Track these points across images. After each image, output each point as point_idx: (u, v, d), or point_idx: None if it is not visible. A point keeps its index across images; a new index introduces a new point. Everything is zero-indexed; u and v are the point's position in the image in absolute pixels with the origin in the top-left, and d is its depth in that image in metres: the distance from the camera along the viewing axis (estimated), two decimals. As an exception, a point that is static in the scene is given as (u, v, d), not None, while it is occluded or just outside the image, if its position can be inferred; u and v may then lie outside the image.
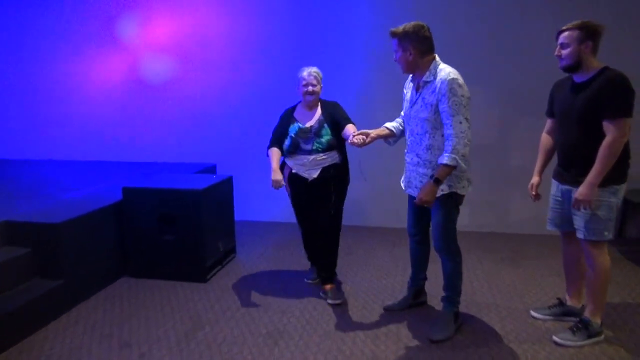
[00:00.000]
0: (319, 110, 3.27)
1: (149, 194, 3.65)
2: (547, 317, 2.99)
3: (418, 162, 2.72)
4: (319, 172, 3.23)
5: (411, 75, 2.74)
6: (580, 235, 2.63)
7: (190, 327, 2.99)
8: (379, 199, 4.89)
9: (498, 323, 2.98)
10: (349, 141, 2.82)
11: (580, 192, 2.51)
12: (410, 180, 2.81)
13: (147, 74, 5.35)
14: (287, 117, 3.30)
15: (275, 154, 3.24)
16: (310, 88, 3.20)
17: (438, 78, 2.52)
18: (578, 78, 2.59)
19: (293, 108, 3.34)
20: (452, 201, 2.68)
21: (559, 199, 2.77)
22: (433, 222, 2.78)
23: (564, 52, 2.54)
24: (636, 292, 3.40)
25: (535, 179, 2.94)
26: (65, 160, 5.61)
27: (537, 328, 2.91)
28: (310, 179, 3.24)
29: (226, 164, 5.22)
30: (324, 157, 3.21)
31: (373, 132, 2.84)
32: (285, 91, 4.40)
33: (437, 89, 2.51)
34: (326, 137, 3.20)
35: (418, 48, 2.56)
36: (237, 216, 4.33)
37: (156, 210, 3.63)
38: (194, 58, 5.22)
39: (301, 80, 3.21)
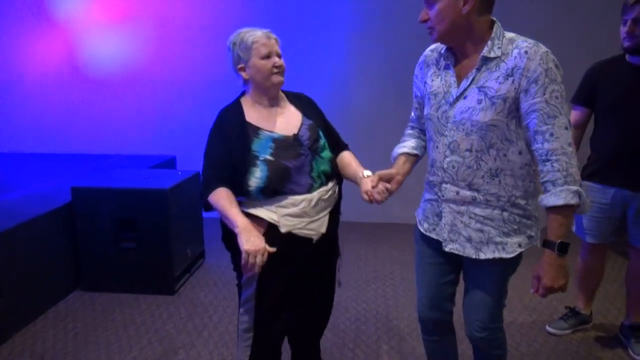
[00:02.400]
0: (288, 107, 1.88)
1: (104, 195, 3.15)
2: (566, 331, 2.74)
3: (474, 199, 1.58)
4: (327, 220, 1.84)
5: (438, 50, 1.65)
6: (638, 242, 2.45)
7: (161, 354, 2.56)
8: (358, 189, 4.57)
9: (513, 343, 2.70)
10: (364, 197, 1.71)
11: None
12: (454, 230, 1.63)
13: (93, 53, 4.72)
14: (237, 126, 1.76)
15: (226, 196, 1.69)
16: (279, 61, 1.78)
17: (514, 52, 1.46)
18: (638, 60, 2.26)
19: (235, 107, 1.82)
20: (519, 262, 1.65)
21: (606, 205, 2.39)
22: (477, 296, 1.68)
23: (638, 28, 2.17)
24: None
25: None
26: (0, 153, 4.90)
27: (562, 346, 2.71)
28: (317, 237, 1.80)
29: (187, 156, 4.71)
30: (330, 191, 1.83)
31: (399, 173, 1.73)
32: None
33: (519, 71, 1.44)
34: (327, 152, 1.84)
35: None
36: (204, 214, 3.88)
37: (114, 214, 3.14)
38: (149, 36, 4.64)
39: (254, 49, 1.74)
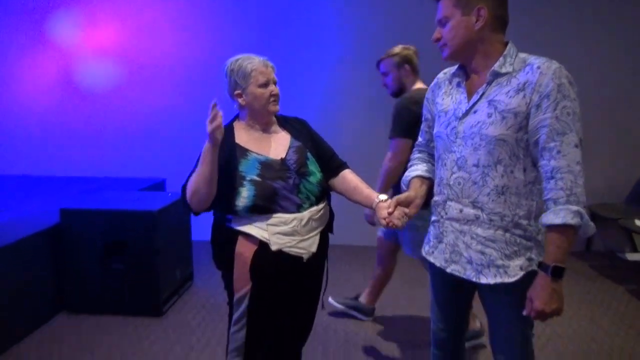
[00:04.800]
0: (280, 132, 1.91)
1: (93, 216, 3.14)
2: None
3: (477, 218, 1.53)
4: (318, 240, 1.85)
5: (451, 72, 1.66)
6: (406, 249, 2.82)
7: (148, 376, 2.53)
8: (346, 212, 4.59)
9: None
10: (382, 222, 1.70)
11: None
12: (455, 250, 1.60)
13: (84, 78, 4.76)
14: (227, 147, 1.78)
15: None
16: (276, 90, 1.84)
17: (526, 68, 1.45)
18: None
19: (227, 129, 1.81)
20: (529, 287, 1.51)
21: None
22: (498, 331, 1.63)
23: (387, 80, 2.73)
24: (606, 306, 3.35)
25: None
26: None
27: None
28: (308, 256, 1.80)
29: (177, 179, 4.69)
30: (321, 211, 1.84)
31: (417, 196, 1.70)
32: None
33: (531, 86, 1.42)
34: (316, 175, 1.84)
35: (494, 10, 1.47)
36: (193, 236, 3.88)
37: (102, 235, 3.12)
38: (138, 61, 4.71)
39: (253, 77, 1.78)
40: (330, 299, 3.16)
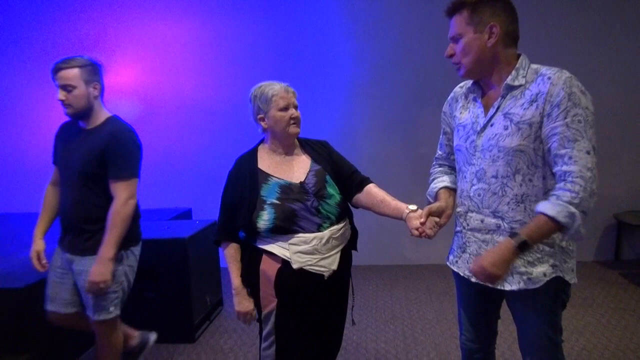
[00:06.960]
0: (301, 155, 1.97)
1: (125, 247, 3.25)
2: None
3: (498, 227, 1.57)
4: (339, 257, 1.89)
5: (467, 86, 1.72)
6: (89, 313, 2.27)
7: (185, 400, 2.59)
8: (370, 233, 4.64)
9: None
10: (414, 233, 1.69)
11: (94, 271, 2.11)
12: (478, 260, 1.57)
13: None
14: (249, 174, 1.88)
15: (233, 254, 1.92)
16: (295, 113, 1.90)
17: (538, 79, 1.49)
18: (84, 124, 2.23)
19: (250, 156, 1.96)
20: (559, 294, 1.57)
21: (63, 270, 2.30)
22: (526, 336, 1.64)
23: (70, 95, 2.15)
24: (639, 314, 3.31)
25: (38, 245, 2.33)
26: (23, 213, 5.05)
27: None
28: (329, 273, 1.85)
29: (202, 208, 4.85)
30: (341, 230, 1.90)
31: (448, 207, 1.71)
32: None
33: (542, 96, 1.46)
34: (335, 197, 1.88)
35: (505, 27, 1.51)
36: (221, 263, 3.97)
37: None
38: (163, 94, 4.91)
39: (274, 101, 1.86)
40: None
